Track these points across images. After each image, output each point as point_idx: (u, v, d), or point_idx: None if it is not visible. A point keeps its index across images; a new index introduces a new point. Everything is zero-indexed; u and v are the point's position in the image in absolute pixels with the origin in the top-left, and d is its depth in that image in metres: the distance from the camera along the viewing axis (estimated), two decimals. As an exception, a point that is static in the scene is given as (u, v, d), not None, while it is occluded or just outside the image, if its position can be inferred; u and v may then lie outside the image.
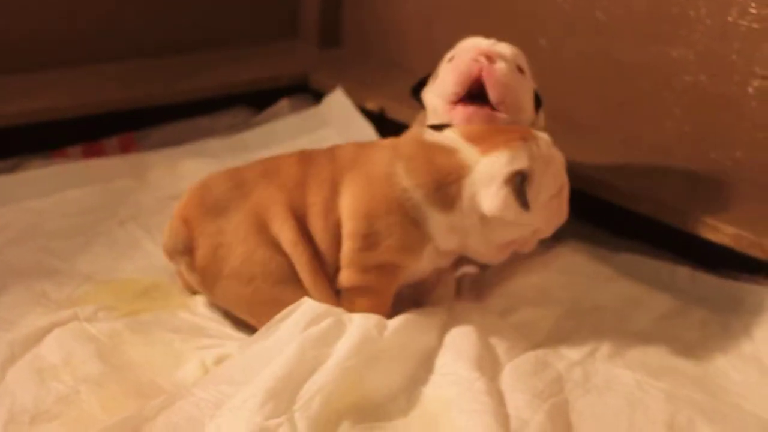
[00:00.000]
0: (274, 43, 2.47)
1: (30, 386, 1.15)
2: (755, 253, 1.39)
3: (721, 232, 1.43)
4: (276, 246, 1.26)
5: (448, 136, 1.25)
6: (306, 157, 1.31)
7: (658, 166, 1.67)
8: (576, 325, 1.34)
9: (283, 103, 2.22)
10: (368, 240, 1.22)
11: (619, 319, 1.37)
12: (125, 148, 2.00)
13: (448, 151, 1.22)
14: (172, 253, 1.33)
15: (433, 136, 1.27)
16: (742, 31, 1.55)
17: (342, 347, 1.13)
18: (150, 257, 1.52)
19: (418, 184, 1.20)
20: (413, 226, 1.21)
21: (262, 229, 1.26)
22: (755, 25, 1.53)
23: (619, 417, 1.13)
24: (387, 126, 1.91)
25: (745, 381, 1.23)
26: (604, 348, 1.29)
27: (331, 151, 1.32)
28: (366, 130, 1.95)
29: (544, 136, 1.24)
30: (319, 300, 1.23)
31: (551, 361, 1.24)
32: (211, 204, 1.29)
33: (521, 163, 1.17)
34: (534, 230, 1.25)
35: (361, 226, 1.22)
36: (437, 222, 1.21)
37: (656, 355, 1.28)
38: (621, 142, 1.78)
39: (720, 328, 1.36)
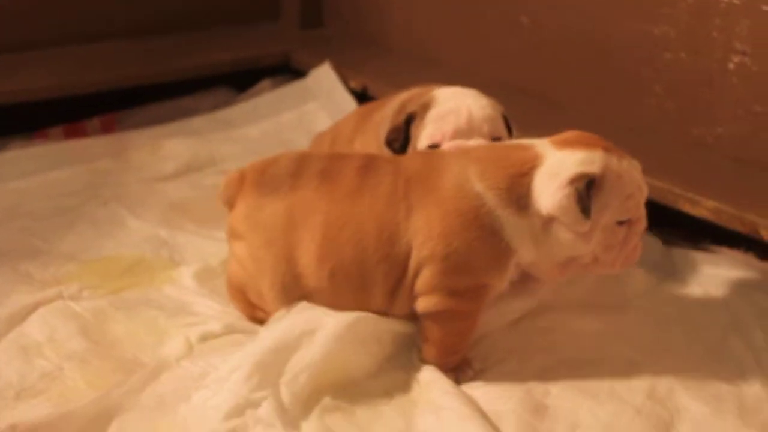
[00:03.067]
0: (256, 23, 2.46)
1: (15, 363, 1.15)
2: (736, 226, 1.41)
3: (701, 206, 1.44)
4: (291, 258, 1.19)
5: (528, 139, 1.19)
6: (368, 165, 1.22)
7: (639, 143, 1.67)
8: (553, 302, 1.34)
9: (265, 84, 2.22)
10: (450, 261, 1.13)
11: (598, 294, 1.38)
12: (107, 129, 2.00)
13: (524, 146, 1.15)
14: (221, 199, 1.30)
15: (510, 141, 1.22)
16: (722, 7, 1.56)
17: (333, 326, 1.13)
18: (133, 234, 1.53)
19: (490, 186, 1.12)
20: (494, 238, 1.12)
21: (288, 231, 1.20)
22: (736, 1, 1.54)
23: (600, 388, 1.15)
24: (370, 104, 1.91)
25: (722, 351, 1.25)
26: (584, 324, 1.30)
27: (396, 161, 1.24)
28: (350, 107, 1.95)
29: (633, 161, 1.15)
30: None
31: (528, 336, 1.27)
32: (267, 177, 1.24)
33: (592, 167, 1.09)
34: (594, 257, 1.14)
35: (438, 248, 1.13)
36: (515, 228, 1.12)
37: (636, 329, 1.30)
38: (602, 119, 1.78)
39: (694, 300, 1.38)
